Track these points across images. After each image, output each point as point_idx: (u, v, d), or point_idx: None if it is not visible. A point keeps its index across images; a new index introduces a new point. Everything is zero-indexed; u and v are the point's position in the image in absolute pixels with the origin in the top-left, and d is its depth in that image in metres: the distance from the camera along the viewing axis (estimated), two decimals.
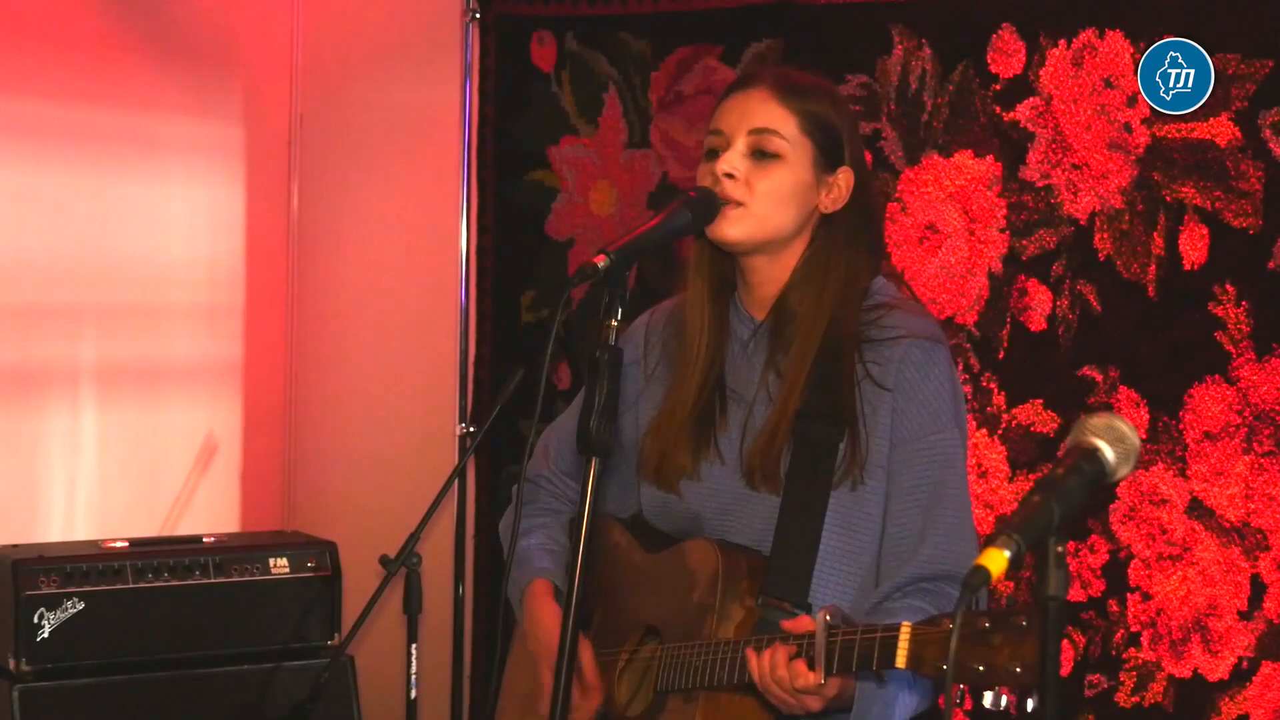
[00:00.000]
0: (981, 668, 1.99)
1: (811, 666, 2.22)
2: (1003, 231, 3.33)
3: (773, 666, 2.27)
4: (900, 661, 2.12)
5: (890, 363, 2.44)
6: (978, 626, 2.00)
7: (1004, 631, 1.98)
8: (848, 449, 2.43)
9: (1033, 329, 3.29)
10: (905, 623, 2.13)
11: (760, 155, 2.46)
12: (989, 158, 3.34)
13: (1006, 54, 3.31)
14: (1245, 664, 3.06)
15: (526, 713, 2.69)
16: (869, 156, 3.45)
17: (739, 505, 2.49)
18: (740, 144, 2.46)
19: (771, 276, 2.52)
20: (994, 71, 3.32)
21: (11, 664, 3.43)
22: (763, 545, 2.46)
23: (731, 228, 2.46)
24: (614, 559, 2.62)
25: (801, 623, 2.29)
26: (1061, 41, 3.24)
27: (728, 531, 2.50)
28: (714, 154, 2.49)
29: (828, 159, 2.49)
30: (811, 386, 2.46)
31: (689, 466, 2.54)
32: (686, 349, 2.57)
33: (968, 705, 2.04)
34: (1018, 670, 1.96)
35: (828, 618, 2.20)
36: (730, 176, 2.45)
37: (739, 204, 2.45)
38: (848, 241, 2.51)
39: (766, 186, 2.46)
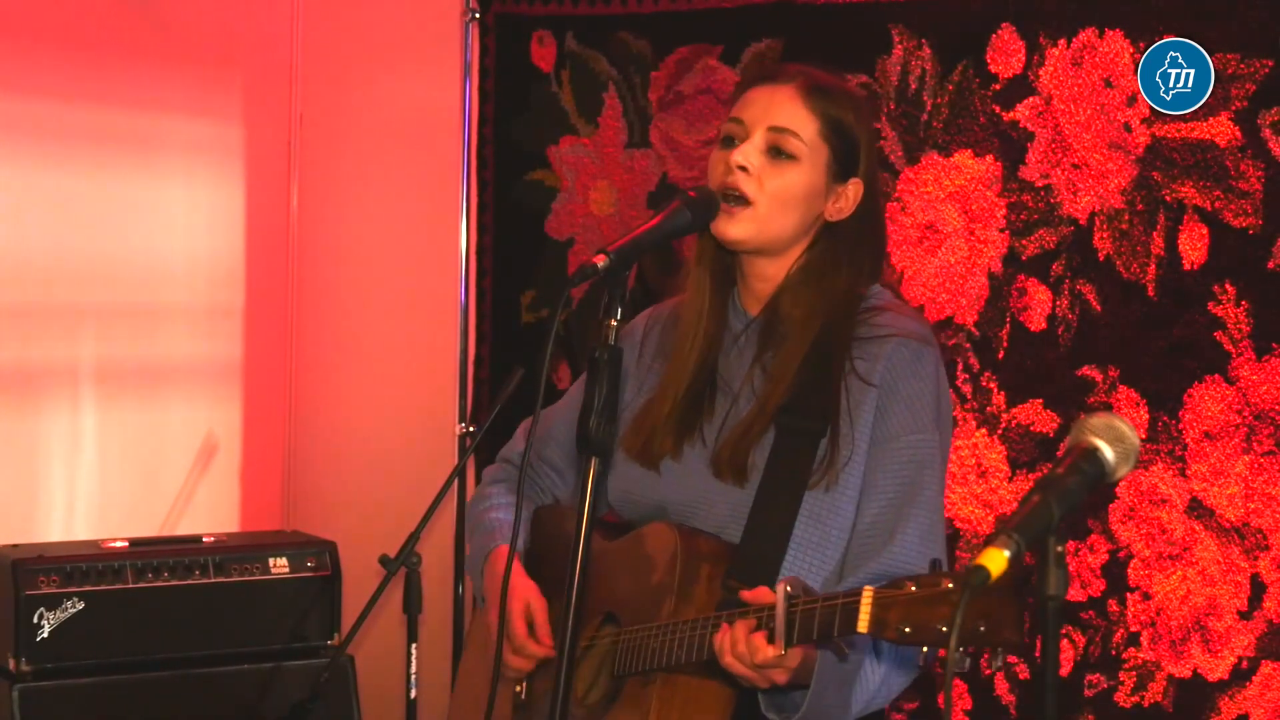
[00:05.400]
0: (945, 628, 1.98)
1: (771, 639, 2.21)
2: (1002, 231, 3.33)
3: (733, 642, 2.26)
4: (862, 626, 2.10)
5: (878, 359, 2.45)
6: (940, 588, 2.00)
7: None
8: (828, 446, 2.43)
9: (1032, 329, 3.29)
10: (867, 587, 2.12)
11: (776, 153, 2.46)
12: (989, 157, 3.34)
13: (1006, 54, 3.31)
14: (1245, 664, 3.06)
15: (481, 682, 2.70)
16: None
17: (706, 495, 2.50)
18: (758, 138, 2.46)
19: (768, 275, 2.53)
20: (994, 71, 3.33)
21: (11, 664, 3.43)
22: (726, 534, 2.47)
23: (734, 227, 2.46)
24: (567, 549, 2.62)
25: (761, 593, 2.28)
26: (1061, 41, 3.24)
27: (692, 520, 2.50)
28: (730, 142, 2.49)
29: (841, 168, 2.50)
30: (798, 384, 2.47)
31: (672, 447, 2.54)
32: (683, 335, 2.57)
33: (969, 704, 2.04)
34: (982, 629, 1.96)
35: (788, 588, 2.19)
36: (744, 169, 2.45)
37: (746, 201, 2.45)
38: (850, 252, 2.52)
39: (777, 186, 2.46)
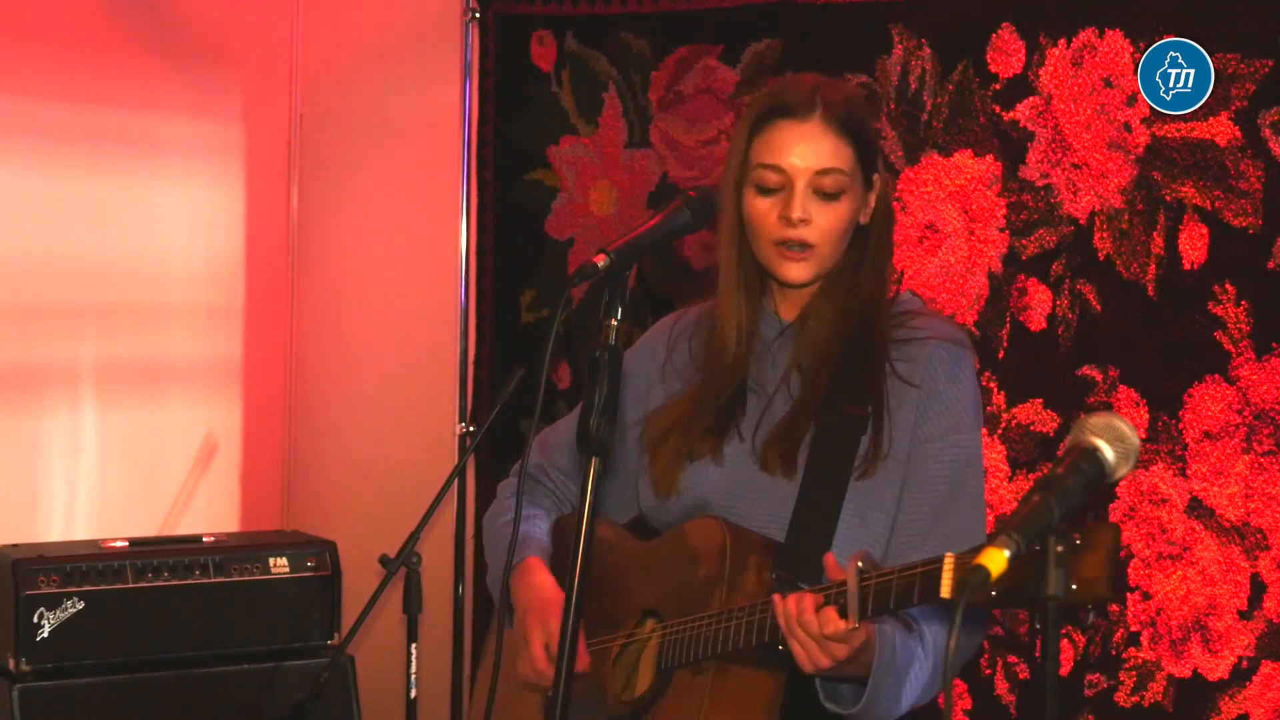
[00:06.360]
0: (1075, 585, 1.89)
1: (843, 614, 2.22)
2: (1002, 231, 3.33)
3: (800, 611, 2.27)
4: (945, 591, 2.11)
5: (918, 361, 2.48)
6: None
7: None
8: (870, 441, 2.45)
9: (1032, 328, 3.29)
10: (949, 554, 2.13)
11: (824, 195, 2.48)
12: (989, 157, 3.34)
13: (1006, 54, 3.31)
14: (1245, 663, 3.06)
15: (510, 686, 2.70)
16: None
17: (749, 490, 2.50)
18: (803, 185, 2.48)
19: (808, 286, 2.56)
20: (994, 71, 3.32)
21: (11, 664, 3.43)
22: (768, 532, 2.47)
23: (801, 271, 2.51)
24: (601, 553, 2.61)
25: (834, 570, 2.29)
26: (1061, 41, 3.24)
27: (733, 517, 2.50)
28: (768, 190, 2.50)
29: (869, 178, 2.54)
30: (837, 380, 2.49)
31: (709, 451, 2.55)
32: (723, 349, 2.58)
33: (969, 704, 2.03)
34: (1074, 587, 1.88)
35: (860, 563, 2.21)
36: (805, 222, 2.47)
37: (811, 246, 2.47)
38: (875, 249, 2.56)
39: (831, 224, 2.50)
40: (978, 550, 2.05)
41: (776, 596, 2.31)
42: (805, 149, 2.48)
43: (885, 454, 2.46)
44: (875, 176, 2.55)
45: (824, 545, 2.43)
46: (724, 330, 2.59)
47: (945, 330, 2.53)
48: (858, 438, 2.47)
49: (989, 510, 3.34)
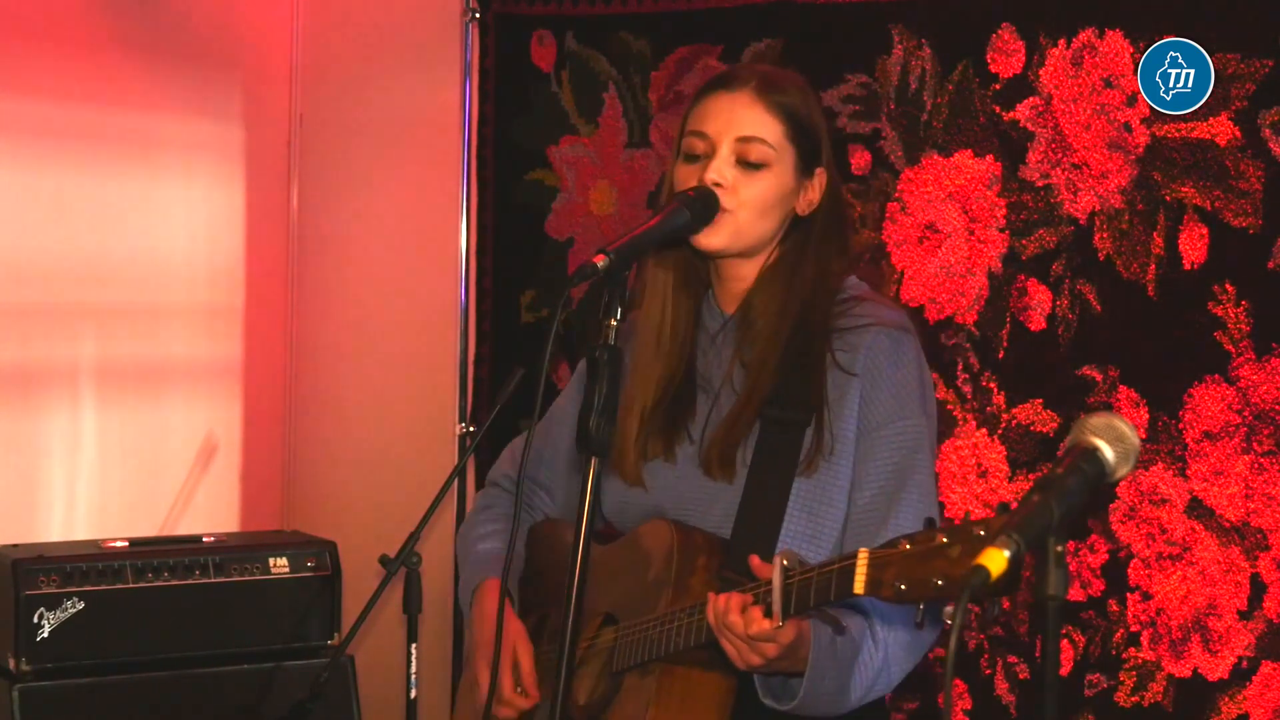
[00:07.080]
0: (940, 581, 1.98)
1: (768, 613, 2.21)
2: (1002, 231, 3.33)
3: (726, 611, 2.26)
4: (858, 587, 2.10)
5: (858, 349, 2.46)
6: (934, 543, 2.00)
7: (962, 543, 1.97)
8: (813, 436, 2.44)
9: (1033, 328, 3.29)
10: (863, 549, 2.12)
11: (747, 163, 2.46)
12: (989, 157, 3.34)
13: (1006, 54, 3.31)
14: (1245, 664, 3.06)
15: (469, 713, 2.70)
16: (868, 156, 3.47)
17: (699, 494, 2.50)
18: (726, 150, 2.46)
19: (744, 275, 2.55)
20: (994, 71, 3.32)
21: (11, 664, 3.43)
22: (721, 533, 2.47)
23: (713, 237, 2.47)
24: (563, 558, 2.62)
25: (769, 567, 2.28)
26: (1061, 41, 3.24)
27: (692, 521, 2.50)
28: (694, 158, 2.49)
29: (807, 163, 2.51)
30: (779, 377, 2.48)
31: (663, 450, 2.55)
32: (650, 339, 2.57)
33: (969, 704, 2.03)
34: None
35: (785, 562, 2.20)
36: (719, 185, 2.45)
37: (725, 211, 2.45)
38: (819, 242, 2.54)
39: (752, 194, 2.47)
40: (893, 544, 2.07)
41: (711, 595, 2.31)
42: (730, 115, 2.47)
43: (830, 449, 2.44)
44: (819, 170, 2.52)
45: (769, 543, 2.42)
46: (651, 318, 2.57)
47: (886, 316, 2.51)
48: (801, 433, 2.46)
49: (989, 511, 3.34)
